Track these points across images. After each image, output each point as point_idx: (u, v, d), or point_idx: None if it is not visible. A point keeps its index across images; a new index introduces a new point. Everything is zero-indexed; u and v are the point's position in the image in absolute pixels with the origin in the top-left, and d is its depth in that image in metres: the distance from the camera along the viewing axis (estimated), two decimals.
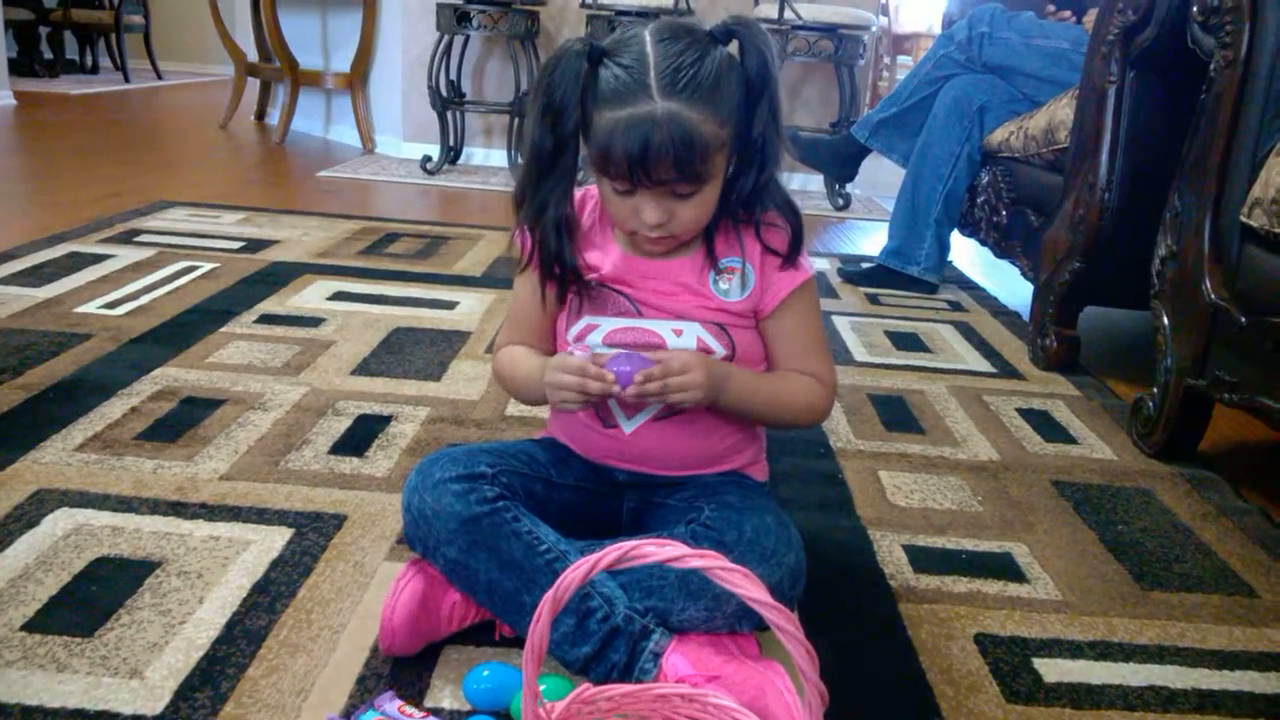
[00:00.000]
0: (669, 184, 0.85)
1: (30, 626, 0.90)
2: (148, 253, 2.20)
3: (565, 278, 0.95)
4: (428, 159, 3.65)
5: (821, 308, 2.12)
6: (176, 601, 0.95)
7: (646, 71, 0.83)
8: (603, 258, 0.97)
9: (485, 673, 0.84)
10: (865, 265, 2.49)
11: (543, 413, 1.33)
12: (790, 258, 0.95)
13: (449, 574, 0.90)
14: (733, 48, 0.89)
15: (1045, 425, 1.58)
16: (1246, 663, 0.99)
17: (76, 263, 2.07)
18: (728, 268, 0.95)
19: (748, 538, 0.87)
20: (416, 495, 0.90)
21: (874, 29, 3.65)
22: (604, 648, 0.84)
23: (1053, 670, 0.95)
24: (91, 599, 0.95)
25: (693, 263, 0.95)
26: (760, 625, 0.87)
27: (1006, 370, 1.85)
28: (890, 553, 1.15)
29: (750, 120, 0.88)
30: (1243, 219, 1.29)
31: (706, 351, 0.94)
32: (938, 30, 3.38)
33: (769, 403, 0.97)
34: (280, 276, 2.10)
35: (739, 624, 0.86)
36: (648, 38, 0.86)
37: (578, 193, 0.95)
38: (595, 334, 0.96)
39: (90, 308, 1.80)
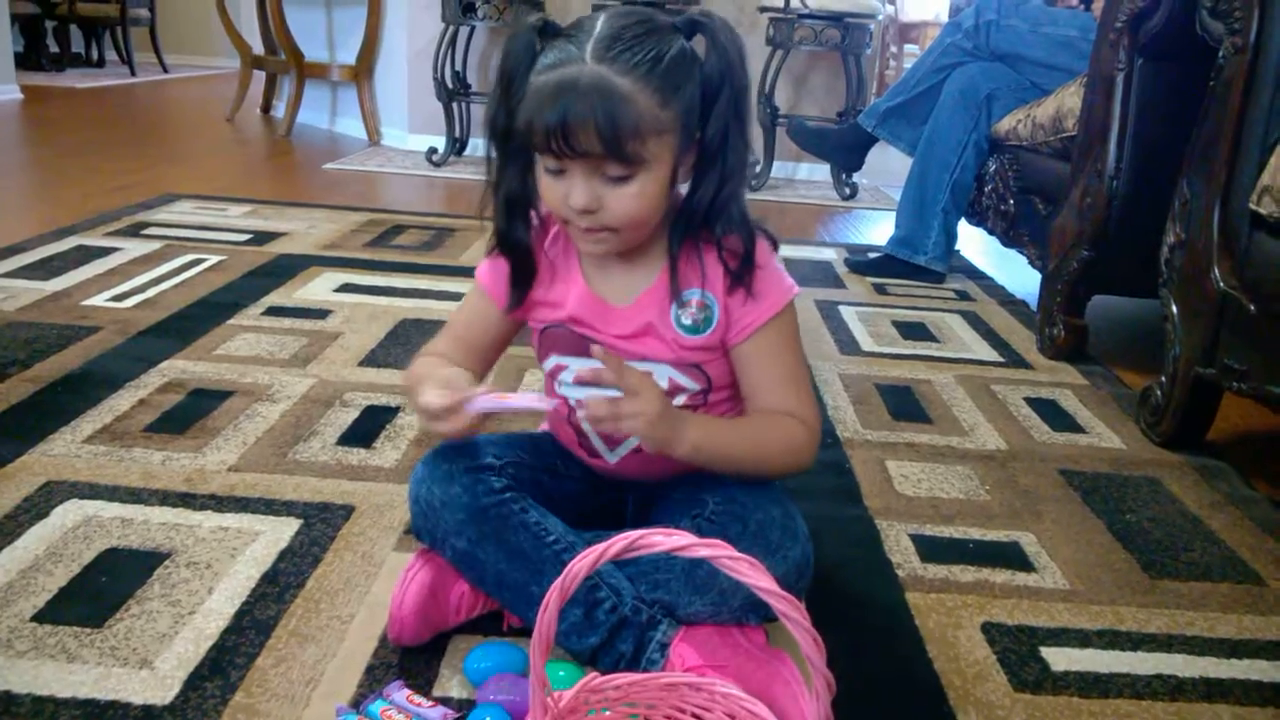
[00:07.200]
0: (595, 159, 0.79)
1: (40, 617, 0.90)
2: (155, 245, 2.20)
3: (519, 265, 0.92)
4: (433, 150, 3.64)
5: (827, 300, 2.17)
6: (186, 592, 0.96)
7: (586, 40, 0.79)
8: (566, 293, 0.93)
9: (486, 652, 0.85)
10: (872, 255, 2.49)
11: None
12: (739, 280, 0.87)
13: (457, 565, 0.90)
14: (701, 45, 0.83)
15: (1053, 414, 1.58)
16: (1255, 651, 0.98)
17: (84, 256, 2.08)
18: (690, 300, 0.89)
19: (752, 531, 0.87)
20: (424, 486, 0.90)
21: (880, 17, 3.63)
22: (611, 638, 0.84)
23: (1060, 659, 0.95)
24: (101, 590, 0.95)
25: (653, 295, 0.90)
26: (767, 618, 0.87)
27: (1014, 359, 1.84)
28: (898, 542, 1.15)
29: (708, 120, 0.83)
30: (1252, 206, 1.29)
31: (679, 390, 0.91)
32: (945, 18, 3.37)
33: (738, 444, 0.89)
34: (287, 269, 2.10)
35: (746, 616, 0.86)
36: (602, 15, 0.82)
37: (545, 211, 0.92)
38: (565, 374, 0.95)
39: (98, 301, 1.80)
